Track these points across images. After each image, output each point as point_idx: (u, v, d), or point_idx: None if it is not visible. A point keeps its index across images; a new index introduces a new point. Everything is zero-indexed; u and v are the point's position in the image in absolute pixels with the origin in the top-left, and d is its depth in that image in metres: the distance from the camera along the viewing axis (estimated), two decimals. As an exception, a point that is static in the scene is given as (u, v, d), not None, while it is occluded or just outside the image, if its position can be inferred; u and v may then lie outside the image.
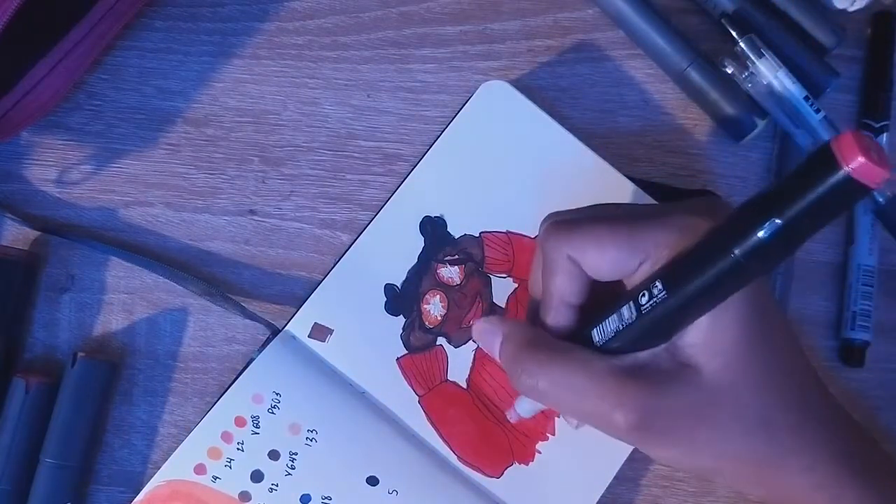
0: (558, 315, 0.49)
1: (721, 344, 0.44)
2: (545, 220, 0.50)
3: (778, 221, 0.38)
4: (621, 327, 0.45)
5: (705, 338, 0.44)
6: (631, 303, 0.45)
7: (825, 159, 0.36)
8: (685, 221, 0.44)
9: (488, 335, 0.50)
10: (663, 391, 0.45)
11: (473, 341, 0.56)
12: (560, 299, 0.48)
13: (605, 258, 0.46)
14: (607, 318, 0.46)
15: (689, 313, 0.44)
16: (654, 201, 0.56)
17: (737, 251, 0.40)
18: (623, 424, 0.45)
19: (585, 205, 0.51)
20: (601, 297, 0.48)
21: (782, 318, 0.47)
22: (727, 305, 0.43)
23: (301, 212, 0.58)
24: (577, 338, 0.48)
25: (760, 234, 0.39)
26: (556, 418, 0.56)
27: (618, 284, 0.47)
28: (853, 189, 0.36)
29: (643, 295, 0.44)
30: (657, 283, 0.43)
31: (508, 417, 0.55)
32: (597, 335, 0.47)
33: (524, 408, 0.53)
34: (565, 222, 0.48)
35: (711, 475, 0.48)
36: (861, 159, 0.35)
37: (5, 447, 0.53)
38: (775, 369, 0.45)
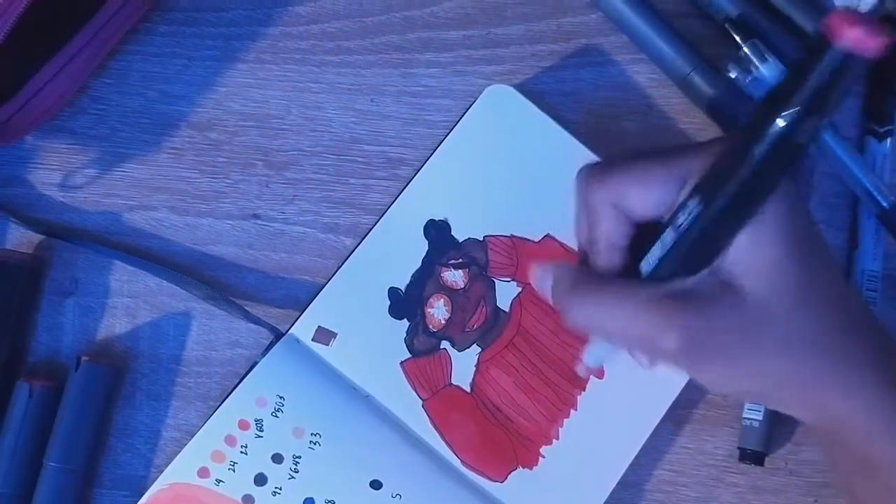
0: (608, 258, 0.49)
1: (762, 263, 0.44)
2: (580, 171, 0.50)
3: (791, 109, 0.39)
4: (663, 252, 0.46)
5: (746, 257, 0.44)
6: (671, 227, 0.45)
7: (821, 39, 0.38)
8: (721, 144, 0.45)
9: (541, 279, 0.52)
10: (708, 312, 0.45)
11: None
12: (607, 244, 0.49)
13: (649, 195, 0.47)
14: (650, 248, 0.47)
15: (726, 226, 0.44)
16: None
17: (758, 149, 0.40)
18: (671, 347, 0.45)
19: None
20: (647, 230, 0.48)
21: (821, 242, 0.47)
22: (765, 225, 0.43)
23: (304, 216, 0.58)
24: (626, 275, 0.49)
25: (778, 124, 0.40)
26: (561, 424, 0.56)
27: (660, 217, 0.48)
28: (853, 58, 0.38)
29: (680, 214, 0.44)
30: (693, 199, 0.44)
31: (578, 372, 0.55)
32: (644, 267, 0.47)
33: (592, 358, 0.53)
34: (601, 169, 0.49)
35: (757, 398, 0.49)
36: (853, 27, 0.37)
37: (9, 451, 0.53)
38: (817, 288, 0.45)
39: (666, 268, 0.46)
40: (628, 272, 0.49)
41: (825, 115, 0.40)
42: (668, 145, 0.49)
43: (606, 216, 0.48)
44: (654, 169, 0.46)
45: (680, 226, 0.44)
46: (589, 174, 0.49)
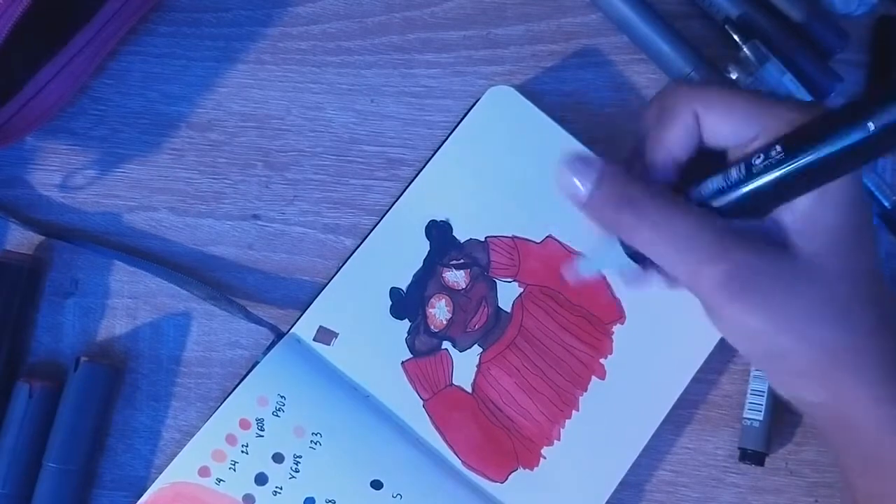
0: (662, 167, 0.47)
1: (819, 228, 0.44)
2: (672, 81, 0.50)
3: None
4: (725, 186, 0.44)
5: (804, 220, 0.44)
6: (742, 164, 0.44)
7: None
8: (816, 107, 0.44)
9: (577, 172, 0.47)
10: (759, 255, 0.44)
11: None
12: (669, 151, 0.47)
13: (729, 120, 0.45)
14: (711, 177, 0.45)
15: (800, 183, 0.43)
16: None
17: (872, 123, 0.40)
18: (716, 279, 0.44)
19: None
20: (701, 164, 0.47)
21: (870, 215, 0.47)
22: (827, 193, 0.43)
23: (305, 216, 0.58)
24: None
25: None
26: (562, 425, 0.56)
27: (720, 157, 0.47)
28: None
29: (758, 157, 0.43)
30: (776, 146, 0.43)
31: (565, 276, 0.54)
32: (696, 192, 0.46)
33: (587, 267, 0.51)
34: (695, 82, 0.48)
35: (784, 365, 0.46)
36: None
37: (9, 451, 0.53)
38: (864, 263, 0.45)
39: (722, 201, 0.45)
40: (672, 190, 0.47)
41: None
42: (768, 92, 0.48)
43: (682, 122, 0.46)
44: (746, 101, 0.45)
45: (753, 166, 0.43)
46: (681, 81, 0.48)
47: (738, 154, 0.45)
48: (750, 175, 0.44)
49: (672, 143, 0.47)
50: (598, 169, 0.46)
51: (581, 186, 0.46)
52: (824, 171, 0.42)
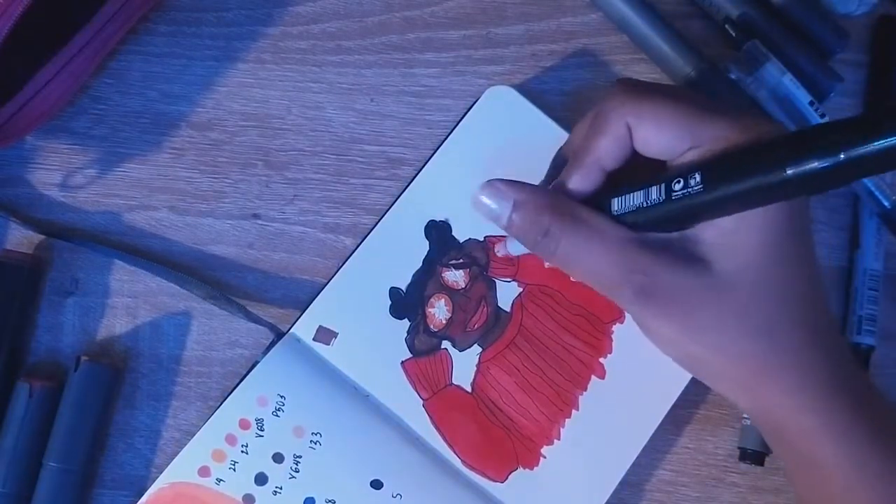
0: (587, 175, 0.48)
1: (739, 247, 0.44)
2: (617, 81, 0.49)
3: (841, 156, 0.38)
4: (644, 204, 0.45)
5: (725, 239, 0.45)
6: (662, 185, 0.45)
7: None
8: (749, 122, 0.44)
9: (494, 199, 0.49)
10: (672, 267, 0.45)
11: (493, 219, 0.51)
12: (596, 160, 0.48)
13: (659, 134, 0.46)
14: (632, 192, 0.46)
15: (716, 211, 0.44)
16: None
17: (790, 171, 0.40)
18: (629, 291, 0.46)
19: None
20: (629, 170, 0.48)
21: (809, 242, 0.47)
22: (754, 212, 0.43)
23: (305, 216, 0.58)
24: (593, 203, 0.48)
25: (818, 163, 0.39)
26: (562, 424, 0.56)
27: (649, 163, 0.47)
28: None
29: (678, 182, 0.44)
30: (696, 175, 0.43)
31: (496, 251, 0.55)
32: (616, 205, 0.47)
33: (517, 247, 0.52)
34: (634, 86, 0.48)
35: (702, 368, 0.48)
36: None
37: (9, 451, 0.53)
38: (790, 284, 0.46)
39: (641, 218, 0.46)
40: (591, 201, 0.48)
41: (871, 174, 0.39)
42: (709, 100, 0.48)
43: (613, 130, 0.47)
44: (681, 115, 0.46)
45: (672, 192, 0.44)
46: (623, 84, 0.48)
47: (670, 166, 0.46)
48: (669, 198, 0.44)
49: (602, 151, 0.48)
50: (513, 195, 0.49)
51: (498, 211, 0.49)
52: (740, 202, 0.43)
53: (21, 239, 0.57)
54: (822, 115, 0.57)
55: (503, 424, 0.56)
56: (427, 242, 0.57)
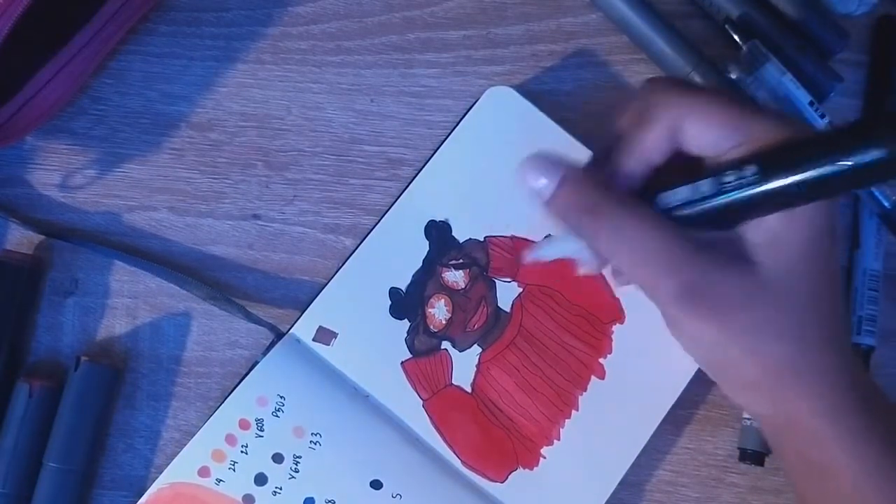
0: (634, 167, 0.47)
1: (785, 249, 0.44)
2: (650, 80, 0.48)
3: None
4: (693, 199, 0.45)
5: (771, 239, 0.44)
6: (713, 178, 0.44)
7: None
8: (794, 121, 0.44)
9: (540, 172, 0.47)
10: (719, 268, 0.45)
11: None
12: (642, 154, 0.46)
13: (708, 130, 0.45)
14: (679, 186, 0.45)
15: (767, 206, 0.43)
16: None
17: (849, 161, 0.40)
18: (672, 288, 0.45)
19: None
20: (674, 168, 0.47)
21: (838, 245, 0.48)
22: (798, 214, 0.43)
23: (305, 216, 0.58)
24: (637, 196, 0.47)
25: (876, 153, 0.39)
26: (562, 424, 0.56)
27: (686, 162, 0.46)
28: None
29: (730, 174, 0.43)
30: (752, 166, 0.43)
31: (522, 258, 0.53)
32: (663, 200, 0.46)
33: (547, 252, 0.51)
34: (680, 83, 0.47)
35: (723, 372, 0.48)
36: None
37: (9, 451, 0.53)
38: (822, 286, 0.45)
39: (687, 213, 0.45)
40: (639, 191, 0.47)
41: None
42: (746, 98, 0.48)
43: (661, 126, 0.46)
44: (730, 110, 0.45)
45: (725, 183, 0.43)
46: (667, 80, 0.47)
47: (713, 163, 0.45)
48: (720, 191, 0.44)
49: (649, 146, 0.46)
50: (562, 169, 0.47)
51: (544, 185, 0.47)
52: (798, 196, 0.42)
53: (21, 239, 0.57)
54: (823, 116, 0.57)
55: (503, 425, 0.56)
56: (427, 243, 0.57)
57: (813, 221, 0.44)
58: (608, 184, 0.47)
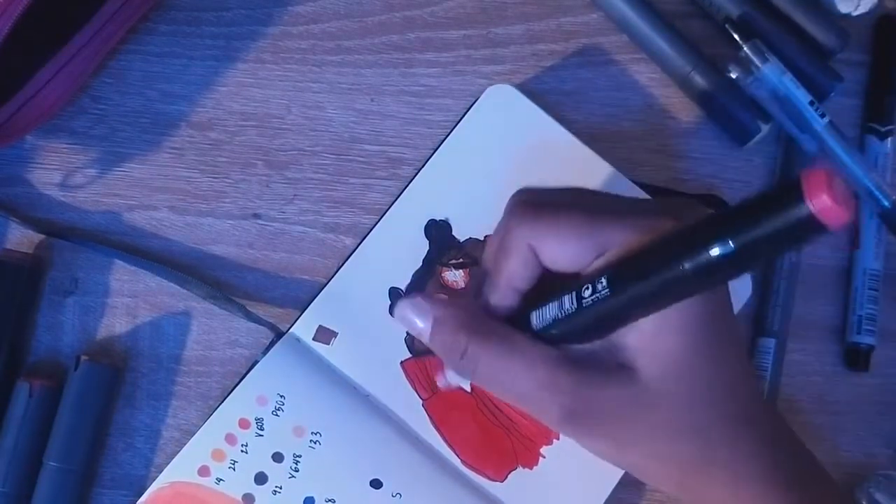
0: (503, 297, 0.47)
1: (662, 351, 0.44)
2: (514, 195, 0.49)
3: (731, 244, 0.37)
4: (560, 316, 0.44)
5: (646, 342, 0.44)
6: (573, 293, 0.44)
7: (792, 191, 0.35)
8: (650, 223, 0.43)
9: (415, 316, 0.48)
10: (598, 385, 0.44)
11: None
12: (507, 282, 0.47)
13: (563, 251, 0.45)
14: (548, 304, 0.45)
15: (630, 315, 0.43)
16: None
17: (686, 265, 0.39)
18: (556, 414, 0.45)
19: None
20: (550, 281, 0.47)
21: (733, 329, 0.47)
22: (674, 311, 0.42)
23: (305, 215, 0.58)
24: (516, 319, 0.47)
25: (712, 252, 0.38)
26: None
27: (568, 274, 0.46)
28: (813, 227, 0.35)
29: (587, 288, 0.43)
30: (602, 280, 0.42)
31: (438, 384, 0.53)
32: (535, 319, 0.46)
33: (455, 378, 0.51)
34: (532, 206, 0.47)
35: (641, 473, 0.48)
36: (826, 199, 0.34)
37: (9, 450, 0.53)
38: (717, 381, 0.45)
39: (559, 330, 0.45)
40: (514, 316, 0.47)
41: (768, 258, 0.39)
42: (610, 200, 0.48)
43: (518, 253, 0.46)
44: (579, 228, 0.45)
45: (583, 299, 0.43)
46: (519, 205, 0.47)
47: (582, 275, 0.45)
48: (581, 306, 0.43)
49: (511, 275, 0.47)
50: (431, 312, 0.47)
51: (422, 328, 0.48)
52: (650, 303, 0.42)
53: (21, 238, 0.57)
54: (823, 115, 0.57)
55: (503, 424, 0.56)
56: (427, 242, 0.57)
57: (688, 317, 0.43)
58: (480, 318, 0.47)
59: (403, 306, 0.48)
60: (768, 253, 0.38)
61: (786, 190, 0.35)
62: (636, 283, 0.42)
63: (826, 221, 0.35)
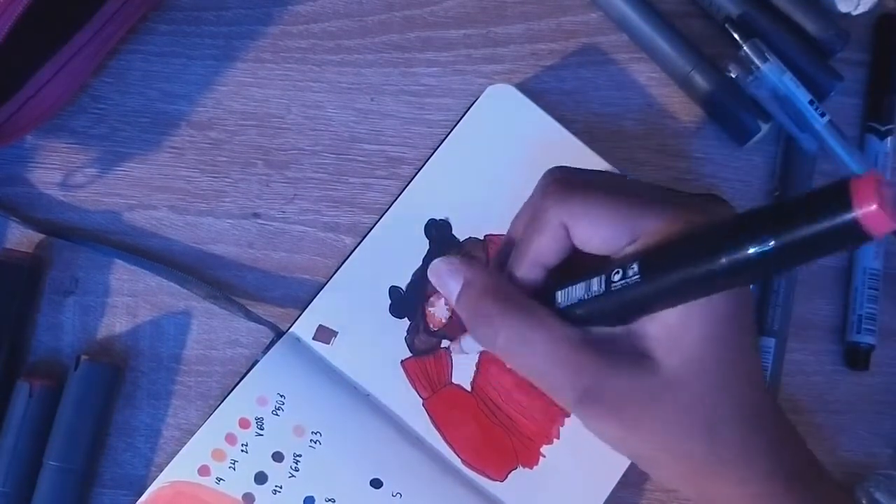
0: (529, 271, 0.48)
1: (683, 343, 0.44)
2: (549, 171, 0.49)
3: (772, 243, 0.37)
4: (586, 297, 0.45)
5: (669, 333, 0.44)
6: (602, 276, 0.44)
7: (840, 195, 0.35)
8: (684, 215, 0.44)
9: (447, 276, 0.49)
10: (617, 370, 0.45)
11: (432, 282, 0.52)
12: (536, 258, 0.47)
13: (596, 233, 0.45)
14: (575, 284, 0.46)
15: (657, 303, 0.43)
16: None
17: (723, 260, 0.39)
18: (572, 394, 0.45)
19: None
20: (576, 262, 0.47)
21: (752, 328, 0.47)
22: (698, 305, 0.42)
23: (305, 215, 0.58)
24: (539, 295, 0.47)
25: (751, 250, 0.38)
26: (561, 423, 0.56)
27: (595, 256, 0.46)
28: (857, 234, 0.35)
29: (617, 272, 0.43)
30: (634, 266, 0.43)
31: (452, 349, 0.55)
32: (560, 297, 0.46)
33: (470, 345, 0.53)
34: (568, 183, 0.47)
35: (648, 465, 0.48)
36: (874, 207, 0.34)
37: (9, 450, 0.53)
38: (733, 379, 0.45)
39: (584, 311, 0.45)
40: (538, 293, 0.48)
41: (806, 261, 0.38)
42: (643, 188, 0.48)
43: (550, 230, 0.46)
44: (615, 212, 0.45)
45: (612, 283, 0.43)
46: (555, 182, 0.48)
47: (612, 259, 0.45)
48: (609, 290, 0.44)
49: (541, 250, 0.47)
50: (463, 274, 0.48)
51: (452, 287, 0.49)
52: (679, 294, 0.42)
53: (21, 238, 0.57)
54: (823, 115, 0.57)
55: (503, 424, 0.56)
56: (427, 241, 0.57)
57: (713, 312, 0.43)
58: (508, 288, 0.48)
59: (438, 264, 0.50)
60: (806, 256, 0.38)
61: (834, 194, 0.35)
62: (669, 272, 0.42)
63: (872, 230, 0.34)
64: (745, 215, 0.40)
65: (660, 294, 0.43)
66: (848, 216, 0.34)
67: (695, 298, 0.42)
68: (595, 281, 0.44)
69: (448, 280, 0.49)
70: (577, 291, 0.45)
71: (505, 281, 0.48)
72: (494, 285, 0.48)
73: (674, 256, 0.42)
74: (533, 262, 0.48)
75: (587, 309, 0.45)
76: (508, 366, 0.53)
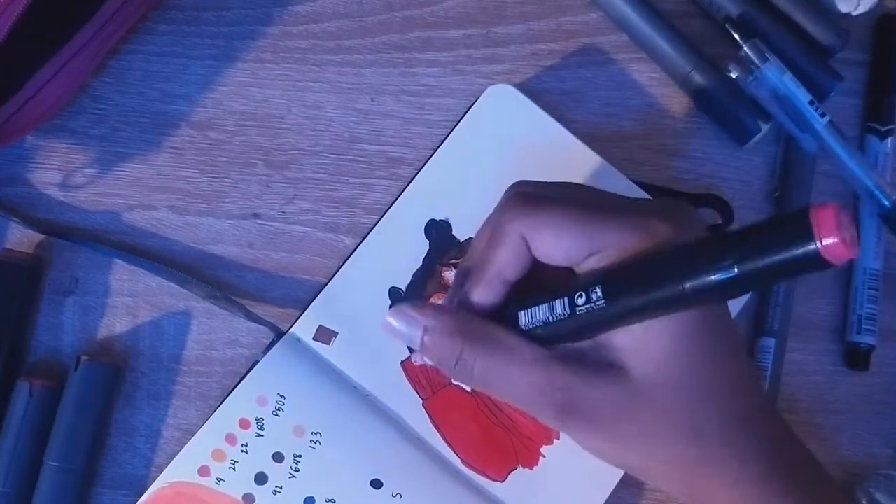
0: (489, 288, 0.47)
1: (653, 352, 0.44)
2: (511, 187, 0.49)
3: (735, 270, 0.38)
4: (550, 319, 0.45)
5: (637, 343, 0.44)
6: (566, 299, 0.44)
7: (800, 226, 0.36)
8: (645, 225, 0.43)
9: (406, 327, 0.48)
10: (590, 382, 0.44)
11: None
12: (497, 273, 0.47)
13: (556, 244, 0.45)
14: (538, 305, 0.45)
15: (622, 322, 0.43)
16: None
17: (687, 285, 0.39)
18: (551, 412, 0.45)
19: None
20: (536, 276, 0.47)
21: (730, 329, 0.47)
22: (660, 320, 0.43)
23: (305, 215, 0.58)
24: (501, 314, 0.47)
25: (714, 276, 0.38)
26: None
27: (557, 268, 0.46)
28: (819, 263, 0.36)
29: (580, 296, 0.43)
30: (597, 290, 0.43)
31: (413, 359, 0.55)
32: (524, 319, 0.46)
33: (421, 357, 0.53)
34: (529, 197, 0.47)
35: (641, 474, 0.48)
36: (835, 239, 0.35)
37: (9, 450, 0.53)
38: (715, 381, 0.45)
39: (550, 332, 0.45)
40: (498, 311, 0.47)
41: (767, 287, 0.39)
42: (606, 198, 0.48)
43: (509, 243, 0.46)
44: (575, 224, 0.45)
45: (577, 307, 0.43)
46: (515, 196, 0.47)
47: (574, 272, 0.45)
48: (574, 313, 0.44)
49: (501, 265, 0.47)
50: (421, 321, 0.47)
51: (414, 336, 0.47)
52: (644, 314, 0.42)
53: (21, 238, 0.57)
54: (823, 115, 0.57)
55: (503, 424, 0.56)
56: (427, 242, 0.57)
57: (678, 322, 0.43)
58: (471, 322, 0.47)
59: (392, 318, 0.48)
60: (768, 281, 0.38)
61: (795, 223, 0.36)
62: (632, 297, 0.42)
63: (832, 260, 0.35)
64: (709, 240, 0.40)
65: (624, 315, 0.43)
66: (810, 248, 0.36)
67: (660, 316, 0.42)
68: (558, 304, 0.44)
69: (407, 331, 0.48)
70: (540, 313, 0.45)
71: (465, 315, 0.47)
72: (455, 323, 0.47)
73: (637, 280, 0.42)
74: (493, 278, 0.47)
75: (552, 329, 0.45)
76: (483, 391, 0.53)
